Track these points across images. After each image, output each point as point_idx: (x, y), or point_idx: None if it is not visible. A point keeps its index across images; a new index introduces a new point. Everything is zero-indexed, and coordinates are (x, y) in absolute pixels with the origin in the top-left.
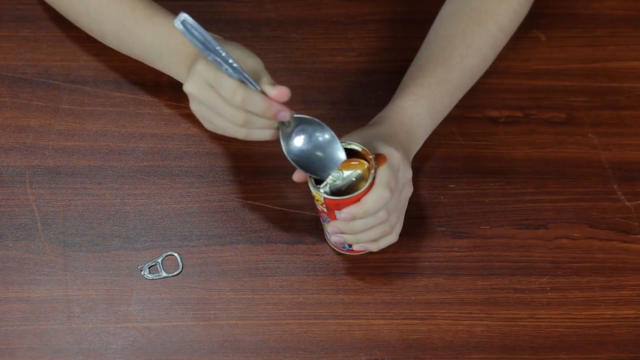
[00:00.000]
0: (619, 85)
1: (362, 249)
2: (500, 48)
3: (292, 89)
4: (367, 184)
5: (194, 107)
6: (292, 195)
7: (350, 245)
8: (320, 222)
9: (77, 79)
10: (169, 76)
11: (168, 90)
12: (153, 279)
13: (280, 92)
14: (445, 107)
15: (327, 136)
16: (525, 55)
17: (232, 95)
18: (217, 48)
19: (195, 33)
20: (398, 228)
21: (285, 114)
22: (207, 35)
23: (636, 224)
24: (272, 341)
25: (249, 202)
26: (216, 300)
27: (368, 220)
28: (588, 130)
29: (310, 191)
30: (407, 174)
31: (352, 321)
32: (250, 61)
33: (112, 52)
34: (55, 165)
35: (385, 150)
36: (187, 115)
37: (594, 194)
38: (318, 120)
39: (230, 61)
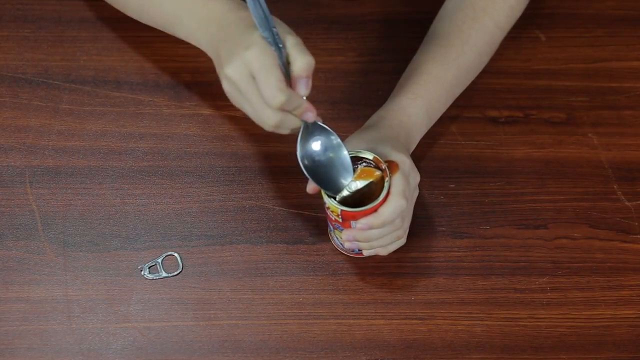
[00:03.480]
0: (619, 85)
1: (372, 253)
2: (497, 45)
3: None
4: (383, 194)
5: (228, 89)
6: (292, 195)
7: (359, 250)
8: (328, 227)
9: (77, 79)
10: (169, 76)
11: (168, 90)
12: (153, 279)
13: (305, 85)
14: (441, 105)
15: (340, 153)
16: (525, 55)
17: (272, 98)
18: (274, 29)
19: (260, 8)
20: (407, 231)
21: (310, 115)
22: (268, 14)
23: (636, 224)
24: (272, 341)
25: (249, 202)
26: (216, 300)
27: (384, 229)
28: (588, 130)
29: (316, 195)
30: (416, 178)
31: (352, 321)
32: (289, 38)
33: (112, 52)
34: (55, 165)
35: (396, 157)
36: (187, 115)
37: (594, 194)
38: (337, 137)
39: (280, 45)
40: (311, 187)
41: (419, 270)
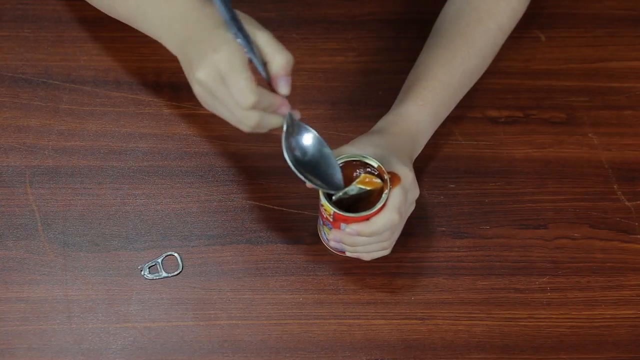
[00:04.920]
0: (619, 85)
1: (355, 257)
2: (499, 47)
3: (292, 89)
4: (379, 205)
5: (200, 92)
6: (292, 195)
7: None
8: (319, 221)
9: (77, 79)
10: (169, 76)
11: (168, 90)
12: (153, 279)
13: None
14: (446, 111)
15: (323, 150)
16: (525, 55)
17: (242, 100)
18: (245, 28)
19: (225, 6)
20: (394, 243)
21: (285, 109)
22: (237, 15)
23: (636, 224)
24: (272, 341)
25: (249, 202)
26: (216, 300)
27: (372, 239)
28: (588, 130)
29: (316, 194)
30: (415, 194)
31: (352, 321)
32: (260, 35)
33: (112, 52)
34: (55, 165)
35: (400, 169)
36: (187, 115)
37: (594, 194)
38: (315, 134)
39: (251, 45)
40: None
41: (419, 270)
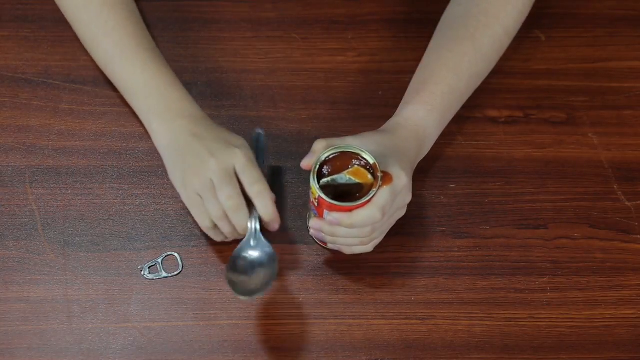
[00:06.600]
0: (619, 85)
1: (335, 249)
2: (504, 50)
3: (292, 89)
4: (364, 200)
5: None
6: (292, 195)
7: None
8: (308, 208)
9: (77, 79)
10: None
11: None
12: (153, 279)
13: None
14: (452, 115)
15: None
16: (525, 55)
17: (226, 200)
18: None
19: (260, 145)
20: (377, 242)
21: (276, 226)
22: (262, 153)
23: (636, 224)
24: (272, 341)
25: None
26: (216, 300)
27: (351, 231)
28: (588, 130)
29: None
30: (406, 199)
31: (352, 321)
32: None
33: None
34: (55, 165)
35: (395, 171)
36: None
37: (594, 194)
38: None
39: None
40: (305, 163)
41: (419, 270)
